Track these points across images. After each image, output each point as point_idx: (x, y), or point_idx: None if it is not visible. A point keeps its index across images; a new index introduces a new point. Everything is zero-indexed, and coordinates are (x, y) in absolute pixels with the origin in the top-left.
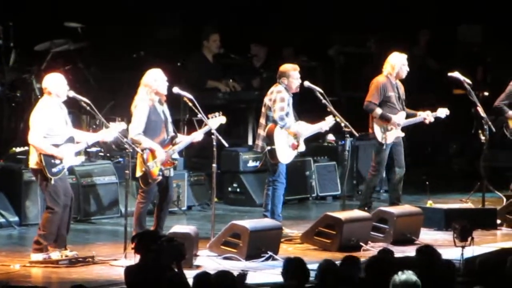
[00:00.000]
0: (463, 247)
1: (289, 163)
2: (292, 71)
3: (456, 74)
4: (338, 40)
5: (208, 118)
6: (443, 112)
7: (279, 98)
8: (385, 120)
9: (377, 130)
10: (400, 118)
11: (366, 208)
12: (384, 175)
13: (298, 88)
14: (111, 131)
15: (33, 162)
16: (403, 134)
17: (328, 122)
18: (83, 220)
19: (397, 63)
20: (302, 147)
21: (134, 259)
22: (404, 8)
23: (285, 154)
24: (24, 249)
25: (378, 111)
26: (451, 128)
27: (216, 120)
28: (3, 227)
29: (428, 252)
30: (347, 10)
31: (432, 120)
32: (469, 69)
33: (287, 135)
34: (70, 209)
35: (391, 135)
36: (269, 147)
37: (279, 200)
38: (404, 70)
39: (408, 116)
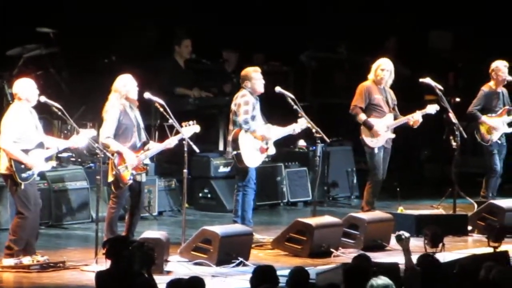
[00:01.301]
0: (434, 253)
1: (259, 168)
2: (253, 73)
3: (427, 80)
4: (309, 46)
5: (182, 126)
6: (433, 108)
7: (243, 102)
8: (367, 127)
9: (365, 135)
10: (386, 121)
11: (370, 208)
12: (381, 176)
13: (262, 88)
14: (81, 138)
15: (3, 167)
16: (393, 136)
17: (300, 124)
18: (55, 225)
19: (373, 67)
20: (272, 150)
21: (105, 264)
22: (375, 14)
23: (252, 158)
24: None
25: (362, 117)
26: (422, 134)
27: (190, 129)
28: None
29: (429, 260)
30: (319, 16)
31: (420, 119)
32: (440, 75)
33: (253, 138)
34: (38, 217)
35: (381, 138)
36: (235, 152)
37: (249, 206)
38: (381, 74)
39: (396, 118)
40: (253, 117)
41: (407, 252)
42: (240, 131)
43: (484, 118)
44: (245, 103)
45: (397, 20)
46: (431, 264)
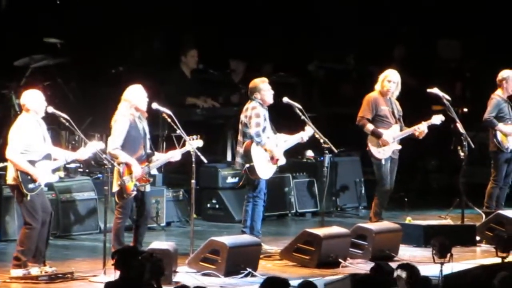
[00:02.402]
0: (442, 263)
1: (268, 179)
2: (261, 84)
3: (435, 90)
4: (317, 56)
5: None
6: (438, 119)
7: (254, 114)
8: (376, 136)
9: (372, 146)
10: (392, 133)
11: (378, 219)
12: (388, 187)
13: (272, 99)
14: (88, 150)
15: (10, 177)
16: (399, 147)
17: (308, 132)
18: (62, 236)
19: (380, 78)
20: (282, 160)
21: (113, 275)
22: (382, 24)
23: (265, 170)
24: (3, 264)
25: (370, 127)
26: (429, 144)
27: (193, 143)
28: None
29: (408, 269)
30: (326, 26)
31: (425, 130)
32: (447, 85)
33: (264, 151)
34: (49, 225)
35: (387, 149)
36: (248, 165)
37: (258, 216)
38: (387, 86)
39: (402, 130)
40: (264, 129)
41: None
42: (252, 144)
43: (500, 125)
44: (256, 116)
45: (404, 29)
46: (409, 271)
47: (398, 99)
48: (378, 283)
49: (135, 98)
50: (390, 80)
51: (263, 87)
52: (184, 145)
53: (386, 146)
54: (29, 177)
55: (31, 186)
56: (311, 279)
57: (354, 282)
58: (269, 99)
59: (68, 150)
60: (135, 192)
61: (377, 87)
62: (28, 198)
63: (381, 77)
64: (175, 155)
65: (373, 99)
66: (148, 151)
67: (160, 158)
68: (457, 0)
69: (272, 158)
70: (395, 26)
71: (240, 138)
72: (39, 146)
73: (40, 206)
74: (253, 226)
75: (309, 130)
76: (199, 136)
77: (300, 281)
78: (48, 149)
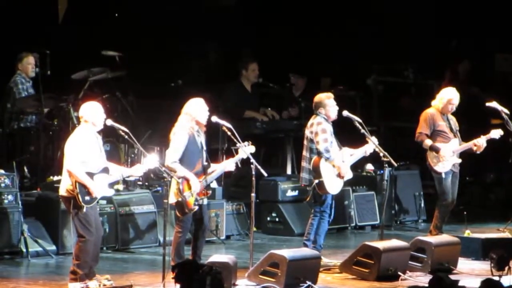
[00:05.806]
0: (500, 276)
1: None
2: (327, 100)
3: (494, 104)
4: (376, 70)
5: (236, 146)
6: (497, 133)
7: (320, 130)
8: (434, 151)
9: (432, 161)
10: (451, 146)
11: (438, 232)
12: (450, 201)
13: (336, 115)
14: (143, 167)
15: (63, 189)
16: (459, 161)
17: (371, 145)
18: (121, 249)
19: (442, 98)
20: (349, 175)
21: None
22: (441, 39)
23: (334, 185)
24: (61, 278)
25: (428, 142)
26: (488, 158)
27: (245, 150)
28: (41, 255)
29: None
30: (385, 40)
31: (484, 144)
32: (506, 98)
33: (332, 166)
34: (100, 242)
35: (447, 163)
36: (317, 180)
37: (323, 231)
38: (448, 107)
39: (460, 144)
40: (330, 144)
41: None
42: (320, 160)
43: None
44: (323, 131)
45: (453, 43)
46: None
47: (455, 114)
48: None
49: (196, 111)
50: (453, 104)
51: (329, 102)
52: (237, 153)
53: (446, 160)
54: (86, 189)
55: (87, 198)
56: None
57: None
58: (334, 115)
59: (127, 163)
60: (196, 207)
61: (436, 103)
62: (84, 210)
63: (444, 98)
64: (228, 164)
65: (429, 115)
66: (205, 163)
67: (216, 169)
68: None
69: (339, 172)
70: (452, 41)
71: (305, 153)
72: (96, 158)
73: (94, 219)
74: (316, 240)
75: (374, 140)
76: (250, 142)
77: None
78: (105, 162)
